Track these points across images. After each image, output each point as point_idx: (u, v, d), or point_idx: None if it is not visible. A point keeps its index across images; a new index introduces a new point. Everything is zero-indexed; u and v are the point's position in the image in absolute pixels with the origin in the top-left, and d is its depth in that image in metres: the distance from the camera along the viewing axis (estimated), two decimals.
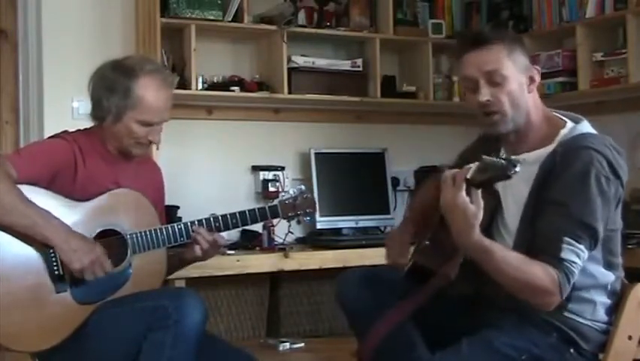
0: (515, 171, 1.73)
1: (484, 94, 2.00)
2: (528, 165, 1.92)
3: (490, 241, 1.87)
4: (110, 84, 2.30)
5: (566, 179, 1.90)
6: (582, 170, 1.89)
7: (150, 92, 2.30)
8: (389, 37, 3.91)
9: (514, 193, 2.01)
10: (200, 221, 2.38)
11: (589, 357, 1.99)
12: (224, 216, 2.40)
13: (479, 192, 1.81)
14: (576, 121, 2.05)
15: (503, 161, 1.74)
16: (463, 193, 1.80)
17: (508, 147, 2.09)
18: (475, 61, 2.02)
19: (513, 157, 1.76)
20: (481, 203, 1.81)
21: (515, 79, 2.01)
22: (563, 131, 2.01)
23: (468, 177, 1.80)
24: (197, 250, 2.37)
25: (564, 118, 2.06)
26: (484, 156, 1.79)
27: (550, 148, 1.98)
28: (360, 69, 3.88)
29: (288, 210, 2.49)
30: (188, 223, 2.37)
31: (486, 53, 2.01)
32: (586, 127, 2.03)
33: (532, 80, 2.04)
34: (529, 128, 2.04)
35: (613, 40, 3.67)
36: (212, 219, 2.39)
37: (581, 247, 1.86)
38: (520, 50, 2.05)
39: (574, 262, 1.86)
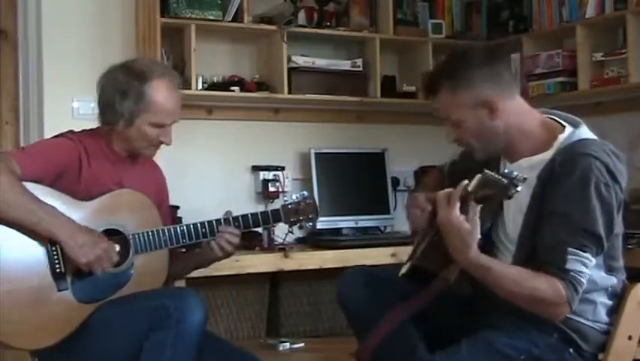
0: (517, 191, 1.72)
1: (449, 135, 2.08)
2: (526, 170, 1.92)
3: (487, 258, 1.88)
4: (122, 88, 2.31)
5: (566, 187, 1.89)
6: (582, 178, 1.88)
7: (162, 94, 2.32)
8: (389, 37, 3.91)
9: (515, 200, 2.00)
10: (202, 223, 2.38)
11: (588, 358, 2.00)
12: (226, 219, 2.41)
13: (477, 210, 1.82)
14: (575, 125, 2.03)
15: (505, 180, 1.72)
16: (457, 212, 1.82)
17: (505, 154, 2.09)
18: (436, 107, 2.09)
19: (515, 174, 1.74)
20: (477, 221, 1.82)
21: (468, 117, 2.01)
22: (562, 136, 2.00)
23: (469, 189, 1.81)
24: (217, 249, 2.39)
25: (562, 122, 2.05)
26: (486, 171, 1.78)
27: (548, 155, 1.98)
28: (360, 69, 3.88)
29: (291, 215, 2.49)
30: (191, 225, 2.37)
31: (437, 102, 2.06)
32: (585, 132, 2.02)
33: (491, 109, 1.99)
34: (519, 139, 2.03)
35: (613, 40, 3.66)
36: (214, 222, 2.39)
37: (587, 255, 1.86)
38: (466, 87, 1.99)
39: (580, 272, 1.86)
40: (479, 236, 1.84)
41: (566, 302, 1.85)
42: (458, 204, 1.82)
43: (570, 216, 1.87)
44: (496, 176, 1.75)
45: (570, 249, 1.85)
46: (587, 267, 1.87)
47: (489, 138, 2.03)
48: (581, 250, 1.86)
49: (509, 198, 1.76)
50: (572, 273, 1.85)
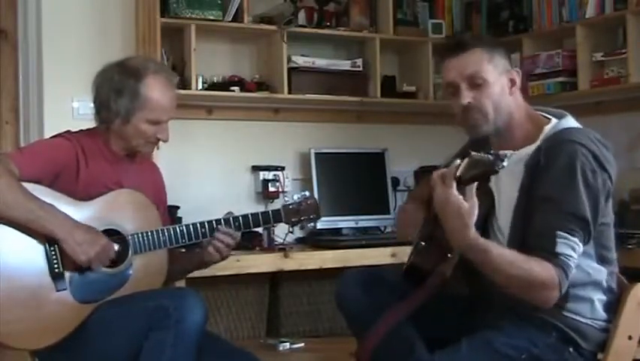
0: (503, 166, 1.74)
1: (466, 97, 2.04)
2: (514, 163, 1.93)
3: (485, 241, 1.88)
4: (117, 86, 2.31)
5: (553, 174, 1.91)
6: (568, 164, 1.90)
7: (157, 91, 2.33)
8: (389, 37, 3.91)
9: (505, 192, 2.02)
10: (202, 223, 2.38)
11: (588, 357, 2.00)
12: (226, 219, 2.41)
13: (474, 189, 1.81)
14: (560, 117, 2.06)
15: (491, 156, 1.75)
16: (455, 191, 1.80)
17: (495, 147, 2.09)
18: (457, 65, 2.05)
19: (501, 152, 1.77)
20: (476, 201, 1.81)
21: (496, 82, 2.04)
22: (547, 128, 2.02)
23: (458, 174, 1.80)
24: (212, 250, 2.38)
25: (548, 115, 2.08)
26: (472, 152, 1.80)
27: (534, 146, 2.00)
28: (360, 69, 3.88)
29: (292, 215, 2.49)
30: (190, 225, 2.37)
31: (467, 57, 2.05)
32: (569, 122, 2.04)
33: (512, 82, 2.07)
34: (512, 129, 2.06)
35: (613, 40, 3.67)
36: (214, 222, 2.39)
37: (575, 240, 1.88)
38: (500, 54, 2.08)
39: (569, 256, 1.87)
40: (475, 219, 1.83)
41: (557, 286, 1.85)
42: (454, 183, 1.81)
43: (558, 202, 1.89)
44: (482, 154, 1.78)
45: (559, 232, 1.87)
46: (576, 252, 1.88)
47: (499, 111, 2.04)
48: (570, 234, 1.87)
49: (496, 172, 1.77)
50: (561, 256, 1.86)
